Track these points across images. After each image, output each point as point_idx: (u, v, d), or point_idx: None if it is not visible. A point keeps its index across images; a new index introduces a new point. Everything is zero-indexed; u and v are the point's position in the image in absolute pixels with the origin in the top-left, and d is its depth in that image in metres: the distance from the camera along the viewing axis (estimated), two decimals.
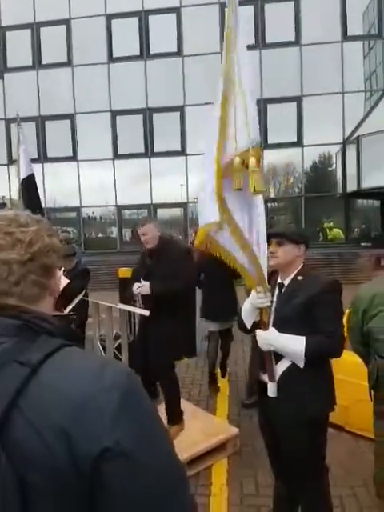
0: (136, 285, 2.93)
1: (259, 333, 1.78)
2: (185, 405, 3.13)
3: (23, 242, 0.66)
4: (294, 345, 1.70)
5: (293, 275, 1.85)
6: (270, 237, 1.85)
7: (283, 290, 1.86)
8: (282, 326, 1.76)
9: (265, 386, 1.82)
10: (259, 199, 1.71)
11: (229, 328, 4.32)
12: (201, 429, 2.95)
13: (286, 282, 1.86)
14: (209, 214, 1.68)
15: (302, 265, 1.87)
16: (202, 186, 1.74)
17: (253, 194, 1.61)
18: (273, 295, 1.86)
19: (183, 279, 2.84)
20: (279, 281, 1.89)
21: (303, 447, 1.76)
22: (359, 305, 1.95)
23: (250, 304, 1.82)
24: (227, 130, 1.62)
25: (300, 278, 1.83)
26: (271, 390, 1.78)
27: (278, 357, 1.78)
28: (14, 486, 0.50)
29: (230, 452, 2.86)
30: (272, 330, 1.77)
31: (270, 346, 1.75)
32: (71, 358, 0.61)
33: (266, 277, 1.79)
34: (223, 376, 4.37)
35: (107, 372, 0.59)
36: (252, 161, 1.58)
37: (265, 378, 1.82)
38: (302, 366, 1.71)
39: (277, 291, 1.88)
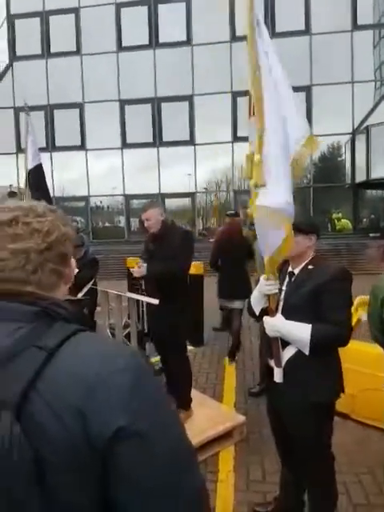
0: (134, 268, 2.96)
1: (266, 319, 1.80)
2: (192, 393, 3.16)
3: (41, 231, 0.68)
4: (300, 332, 1.71)
5: (304, 264, 1.85)
6: None
7: (293, 279, 1.86)
8: (291, 313, 1.77)
9: (272, 371, 1.84)
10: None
11: (237, 310, 4.38)
12: (208, 416, 2.99)
13: (297, 271, 1.86)
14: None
15: (313, 254, 1.87)
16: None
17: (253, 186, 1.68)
18: (283, 284, 1.87)
19: (182, 260, 2.84)
20: (290, 269, 1.90)
21: (309, 434, 1.78)
22: (378, 293, 1.95)
23: (258, 291, 1.84)
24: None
25: (311, 267, 1.83)
26: (277, 376, 1.80)
27: (285, 343, 1.79)
28: (31, 464, 0.53)
29: (237, 439, 2.90)
30: (279, 316, 1.78)
31: (276, 332, 1.76)
32: (86, 342, 0.63)
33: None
34: (230, 363, 4.41)
35: (120, 355, 0.62)
36: (257, 156, 1.64)
37: (272, 363, 1.84)
38: (307, 353, 1.72)
39: (287, 279, 1.89)
